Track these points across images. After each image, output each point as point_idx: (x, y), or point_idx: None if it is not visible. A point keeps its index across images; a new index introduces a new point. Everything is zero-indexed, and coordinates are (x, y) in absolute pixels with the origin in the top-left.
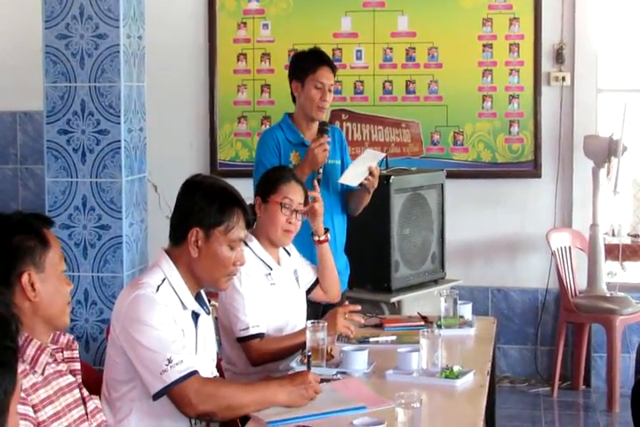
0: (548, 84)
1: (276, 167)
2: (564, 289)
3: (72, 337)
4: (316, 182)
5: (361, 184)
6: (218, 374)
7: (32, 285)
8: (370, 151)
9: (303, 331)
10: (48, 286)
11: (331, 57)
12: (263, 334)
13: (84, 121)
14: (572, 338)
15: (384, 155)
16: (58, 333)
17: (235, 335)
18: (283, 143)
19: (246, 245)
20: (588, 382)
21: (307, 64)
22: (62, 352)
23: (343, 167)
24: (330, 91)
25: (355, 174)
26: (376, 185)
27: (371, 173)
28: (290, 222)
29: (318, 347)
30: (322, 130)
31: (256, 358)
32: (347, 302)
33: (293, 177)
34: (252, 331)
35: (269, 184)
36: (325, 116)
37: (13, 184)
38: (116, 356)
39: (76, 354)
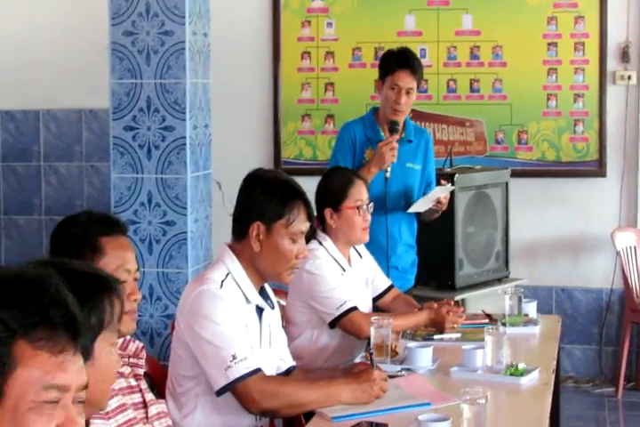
0: (613, 82)
1: (332, 173)
2: (630, 289)
3: (142, 345)
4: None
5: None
6: (294, 363)
7: None
8: (440, 188)
9: (417, 314)
10: None
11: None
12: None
13: (149, 117)
14: (637, 338)
15: (453, 187)
16: (129, 338)
17: (328, 320)
18: (360, 139)
19: (320, 244)
20: None
21: (388, 65)
22: (129, 358)
23: (423, 174)
24: (408, 93)
25: (423, 204)
26: (445, 208)
27: (440, 202)
28: (365, 220)
29: (383, 343)
30: (391, 129)
31: (367, 327)
32: (447, 300)
33: (353, 175)
34: (350, 304)
35: (337, 193)
36: (403, 117)
37: (79, 181)
38: (180, 351)
39: (141, 362)
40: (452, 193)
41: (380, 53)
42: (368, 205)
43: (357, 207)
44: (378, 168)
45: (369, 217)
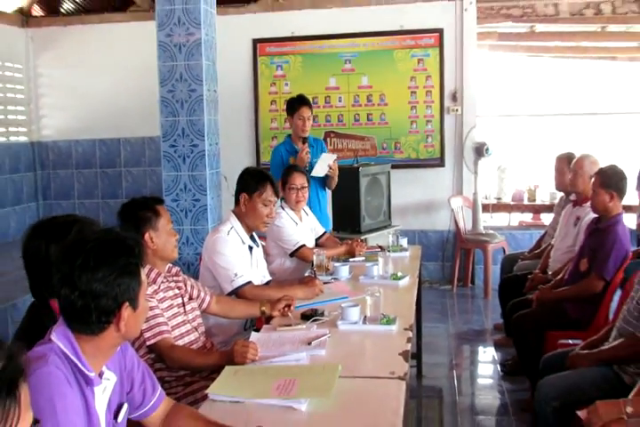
0: (448, 113)
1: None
2: (459, 230)
3: (179, 269)
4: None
5: (327, 175)
6: (270, 278)
7: (151, 239)
8: (325, 155)
9: (340, 248)
10: (161, 239)
11: (322, 101)
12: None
13: (183, 139)
14: (464, 257)
15: (336, 156)
16: (171, 265)
17: (289, 252)
18: (284, 154)
19: (283, 209)
20: (473, 282)
21: (293, 105)
22: (173, 277)
23: None
24: (309, 119)
25: (320, 170)
26: (337, 173)
27: (330, 168)
28: (297, 196)
29: (321, 264)
30: (303, 142)
31: (311, 256)
32: (356, 239)
33: (292, 168)
34: (301, 243)
35: (282, 180)
36: (308, 134)
37: (144, 179)
38: (205, 273)
39: (180, 279)
40: (357, 177)
41: (315, 100)
42: (301, 188)
43: (289, 188)
44: (301, 166)
45: (300, 196)
